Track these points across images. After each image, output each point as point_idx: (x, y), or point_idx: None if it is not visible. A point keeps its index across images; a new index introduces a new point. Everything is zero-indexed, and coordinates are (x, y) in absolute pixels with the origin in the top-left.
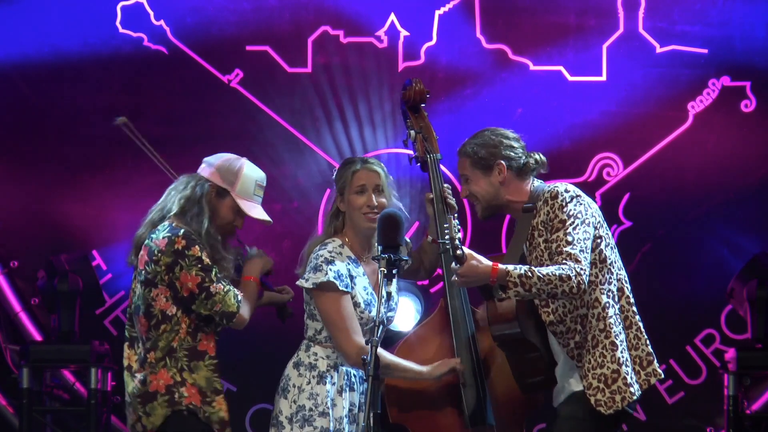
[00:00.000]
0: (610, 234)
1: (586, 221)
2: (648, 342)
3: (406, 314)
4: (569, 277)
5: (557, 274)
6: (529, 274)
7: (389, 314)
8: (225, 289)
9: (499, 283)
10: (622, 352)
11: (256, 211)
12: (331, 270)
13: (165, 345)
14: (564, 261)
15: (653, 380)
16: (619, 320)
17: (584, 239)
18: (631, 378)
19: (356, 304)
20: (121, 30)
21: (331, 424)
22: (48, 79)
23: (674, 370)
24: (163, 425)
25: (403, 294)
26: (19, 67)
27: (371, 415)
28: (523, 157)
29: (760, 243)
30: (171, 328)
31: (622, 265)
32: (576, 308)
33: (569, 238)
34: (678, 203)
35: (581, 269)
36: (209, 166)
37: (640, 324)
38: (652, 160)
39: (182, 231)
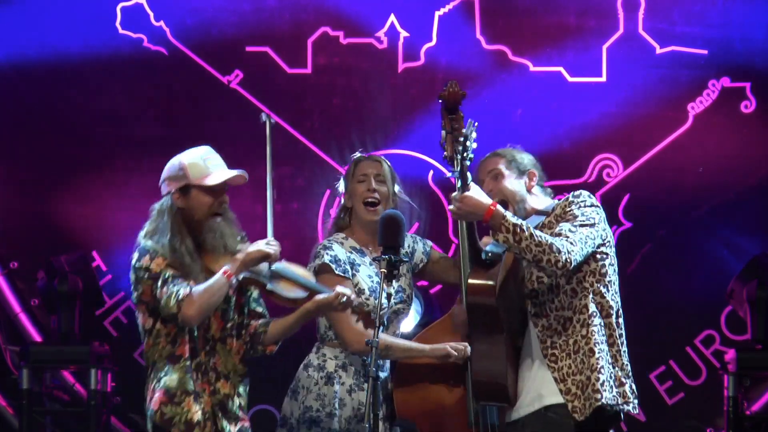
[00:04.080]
0: (615, 258)
1: (596, 226)
2: (627, 366)
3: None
4: (559, 251)
5: (550, 242)
6: (524, 228)
7: (399, 305)
8: (168, 293)
9: (491, 223)
10: (598, 360)
11: (221, 174)
12: (327, 254)
13: (150, 360)
14: (560, 239)
15: (620, 400)
16: (603, 332)
17: (588, 236)
18: (602, 385)
19: (361, 291)
20: (120, 31)
21: (338, 425)
22: (48, 80)
23: (674, 371)
24: None
25: None
26: (19, 67)
27: (372, 416)
28: (545, 181)
29: (760, 244)
30: (153, 341)
31: (618, 291)
32: (563, 308)
33: (573, 228)
34: (678, 204)
35: (573, 251)
36: (161, 183)
37: (622, 348)
38: (652, 161)
39: (139, 247)
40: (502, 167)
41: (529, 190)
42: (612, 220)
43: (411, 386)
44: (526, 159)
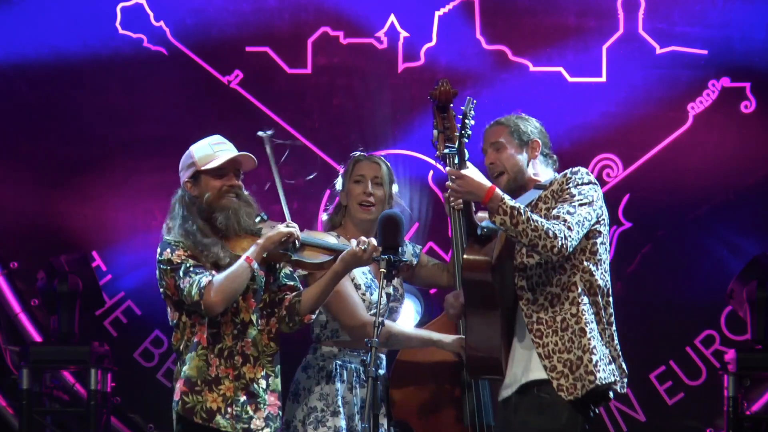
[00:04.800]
0: (608, 237)
1: (593, 205)
2: (617, 345)
3: (406, 315)
4: (555, 236)
5: (546, 227)
6: (522, 212)
7: (392, 304)
8: (190, 282)
9: (489, 205)
10: (590, 340)
11: (226, 156)
12: None
13: (178, 352)
14: (557, 223)
15: (618, 374)
16: (592, 310)
17: (585, 218)
18: (595, 366)
19: (357, 286)
20: (120, 31)
21: (344, 422)
22: (48, 80)
23: (674, 371)
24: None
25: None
26: (19, 67)
27: (372, 416)
28: (550, 148)
29: (760, 244)
30: (180, 334)
31: (608, 270)
32: (551, 284)
33: (571, 210)
34: (678, 204)
35: (569, 237)
36: (180, 177)
37: (612, 328)
38: (652, 161)
39: (161, 242)
40: (503, 139)
41: (531, 160)
42: (612, 220)
43: (407, 387)
44: (530, 128)
